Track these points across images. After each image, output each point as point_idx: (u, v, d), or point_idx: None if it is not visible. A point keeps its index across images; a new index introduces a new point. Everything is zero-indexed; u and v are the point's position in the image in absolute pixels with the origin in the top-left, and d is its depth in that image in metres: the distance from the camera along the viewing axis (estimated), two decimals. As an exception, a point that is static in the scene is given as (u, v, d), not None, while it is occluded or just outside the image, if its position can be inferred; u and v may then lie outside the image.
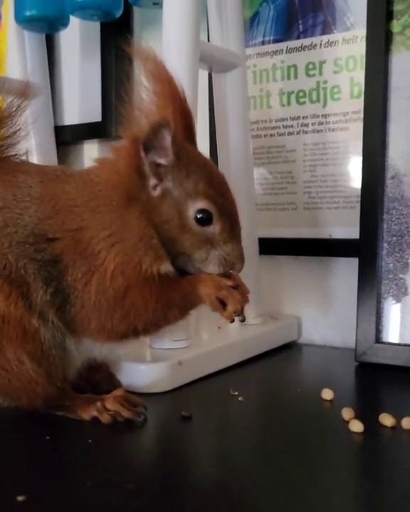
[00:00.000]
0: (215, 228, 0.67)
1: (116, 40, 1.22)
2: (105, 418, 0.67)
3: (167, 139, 0.65)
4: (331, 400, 0.74)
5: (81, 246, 0.66)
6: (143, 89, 0.67)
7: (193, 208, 0.66)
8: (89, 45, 1.26)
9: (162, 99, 0.67)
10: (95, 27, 1.23)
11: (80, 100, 1.29)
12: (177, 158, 0.66)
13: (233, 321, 0.68)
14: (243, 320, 0.70)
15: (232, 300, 0.67)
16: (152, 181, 0.66)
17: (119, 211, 0.66)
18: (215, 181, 0.68)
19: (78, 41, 1.28)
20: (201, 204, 0.66)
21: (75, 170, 0.73)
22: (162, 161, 0.66)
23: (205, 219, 0.66)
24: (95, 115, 1.26)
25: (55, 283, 0.66)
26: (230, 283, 0.68)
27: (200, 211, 0.66)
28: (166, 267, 0.68)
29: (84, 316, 0.67)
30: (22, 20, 1.08)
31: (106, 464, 0.58)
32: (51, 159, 1.18)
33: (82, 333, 0.69)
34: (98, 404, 0.68)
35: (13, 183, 0.69)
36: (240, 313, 0.68)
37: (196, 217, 0.66)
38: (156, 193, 0.67)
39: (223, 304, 0.68)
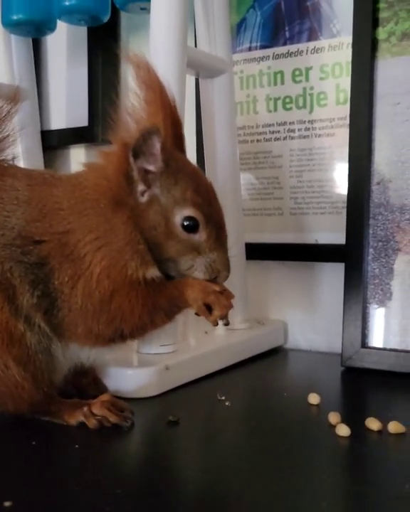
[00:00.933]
0: (201, 236, 0.67)
1: (103, 45, 1.22)
2: (92, 423, 0.67)
3: (157, 145, 0.65)
4: (317, 405, 0.74)
5: (67, 249, 0.66)
6: (134, 96, 0.67)
7: (180, 215, 0.66)
8: (76, 50, 1.26)
9: (153, 106, 0.67)
10: (82, 32, 1.23)
11: (67, 105, 1.28)
12: (166, 165, 0.66)
13: (216, 324, 0.69)
14: (227, 324, 0.70)
15: (218, 305, 0.67)
16: (140, 187, 0.66)
17: (107, 215, 0.66)
18: (202, 189, 0.68)
19: (65, 46, 1.28)
20: (188, 211, 0.66)
21: (63, 174, 0.73)
22: (151, 167, 0.66)
23: (191, 226, 0.67)
24: (82, 120, 1.25)
25: (41, 286, 0.66)
26: (217, 288, 0.68)
27: (187, 218, 0.66)
28: (153, 273, 0.68)
29: (71, 321, 0.67)
30: (9, 24, 1.07)
31: (93, 468, 0.57)
32: (38, 164, 1.17)
33: (70, 337, 0.68)
34: (85, 409, 0.68)
35: (0, 186, 0.69)
36: (225, 317, 0.69)
37: (183, 224, 0.66)
38: (144, 199, 0.67)
39: (208, 309, 0.68)
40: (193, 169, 0.70)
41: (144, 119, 0.67)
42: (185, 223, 0.66)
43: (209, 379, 0.86)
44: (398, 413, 0.70)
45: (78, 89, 1.26)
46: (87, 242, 0.65)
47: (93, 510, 0.48)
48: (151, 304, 0.67)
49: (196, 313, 0.69)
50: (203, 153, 1.02)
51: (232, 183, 1.00)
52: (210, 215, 0.68)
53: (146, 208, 0.67)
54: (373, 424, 0.65)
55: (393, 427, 0.65)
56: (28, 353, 0.66)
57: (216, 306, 0.67)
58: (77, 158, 1.32)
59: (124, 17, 1.24)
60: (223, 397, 0.77)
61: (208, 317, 0.68)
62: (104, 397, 0.69)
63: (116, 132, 0.67)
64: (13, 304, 0.66)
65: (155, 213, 0.66)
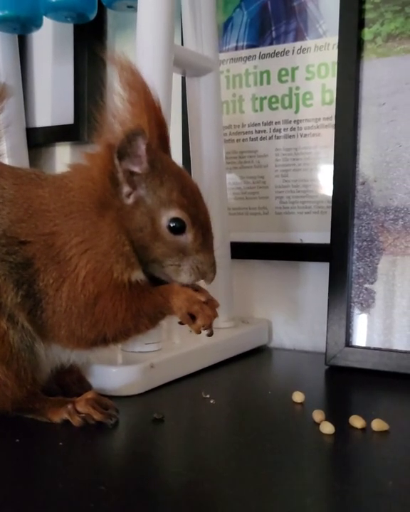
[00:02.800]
0: (187, 237, 0.67)
1: (89, 42, 1.22)
2: (76, 421, 0.67)
3: (142, 147, 0.64)
4: (302, 403, 0.74)
5: (53, 251, 0.66)
6: (118, 97, 0.67)
7: (166, 216, 0.66)
8: (62, 47, 1.26)
9: (137, 108, 0.67)
10: (69, 29, 1.23)
11: (53, 102, 1.28)
12: (151, 167, 0.66)
13: (199, 332, 0.69)
14: (210, 334, 0.69)
15: (202, 315, 0.67)
16: (126, 189, 0.66)
17: (93, 218, 0.66)
18: (188, 191, 0.68)
19: (51, 43, 1.27)
20: (174, 213, 0.66)
21: (49, 174, 0.72)
22: (136, 169, 0.66)
23: (178, 228, 0.66)
24: (68, 118, 1.25)
25: (26, 286, 0.66)
26: (202, 298, 0.68)
27: (173, 220, 0.66)
28: (138, 275, 0.67)
29: (54, 322, 0.67)
30: (-6, 21, 1.07)
31: (77, 466, 0.57)
32: (23, 161, 1.17)
33: (52, 339, 0.68)
34: (69, 406, 0.68)
35: None
36: (208, 327, 0.68)
37: (169, 225, 0.66)
38: (130, 200, 0.66)
39: (192, 318, 0.68)
40: (179, 170, 0.70)
41: (129, 121, 0.66)
42: (171, 225, 0.66)
43: (194, 377, 0.86)
44: (381, 411, 0.71)
45: (64, 86, 1.25)
46: (73, 244, 0.65)
47: (77, 508, 0.48)
48: (135, 308, 0.67)
49: (180, 322, 0.69)
50: (189, 151, 1.02)
51: (218, 182, 1.00)
52: (196, 216, 0.67)
53: (132, 209, 0.66)
54: (357, 422, 0.66)
55: (377, 424, 0.65)
56: (11, 350, 0.66)
57: (199, 316, 0.67)
58: (63, 156, 1.31)
59: (110, 15, 1.23)
60: (208, 396, 0.77)
61: (191, 326, 0.68)
62: (89, 394, 0.69)
63: (100, 134, 0.67)
64: None
65: (141, 215, 0.66)
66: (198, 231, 0.67)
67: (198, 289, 0.69)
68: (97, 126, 0.67)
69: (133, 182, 0.66)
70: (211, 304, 0.69)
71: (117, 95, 0.67)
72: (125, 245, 0.66)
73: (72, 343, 0.68)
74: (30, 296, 0.66)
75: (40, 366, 0.70)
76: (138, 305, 0.67)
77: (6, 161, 1.09)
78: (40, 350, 0.69)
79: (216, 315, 0.69)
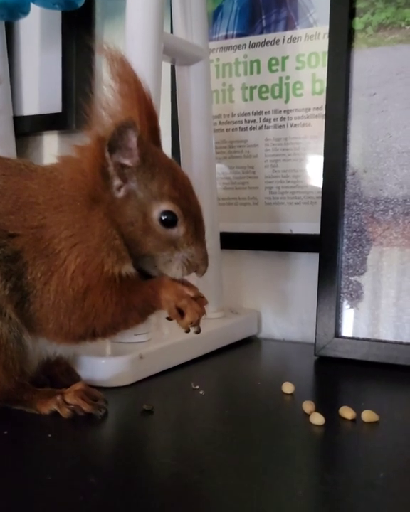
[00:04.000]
0: (179, 230, 0.66)
1: (78, 30, 1.21)
2: (65, 412, 0.66)
3: (133, 139, 0.64)
4: (291, 394, 0.74)
5: (42, 244, 0.65)
6: (109, 89, 0.66)
7: (158, 209, 0.65)
8: (50, 35, 1.24)
9: (128, 100, 0.66)
10: (56, 16, 1.22)
11: (40, 90, 1.27)
12: (142, 160, 0.65)
13: (188, 331, 0.68)
14: (197, 332, 0.69)
15: (191, 311, 0.66)
16: (116, 182, 0.65)
17: (83, 212, 0.65)
18: (180, 184, 0.67)
19: (39, 30, 1.26)
20: (166, 206, 0.65)
21: (38, 165, 0.71)
22: (127, 162, 0.65)
23: (169, 221, 0.65)
24: (55, 106, 1.24)
25: (14, 279, 0.65)
26: (191, 294, 0.67)
27: (164, 213, 0.65)
28: (128, 269, 0.67)
29: (42, 316, 0.66)
30: (-19, 7, 1.05)
31: (66, 458, 0.57)
32: (10, 150, 1.16)
33: (40, 332, 0.68)
34: (58, 398, 0.67)
35: None
36: (196, 324, 0.68)
37: (161, 219, 0.65)
38: (121, 194, 0.65)
39: (181, 313, 0.67)
40: (170, 163, 0.69)
41: (120, 113, 0.65)
42: (163, 218, 0.65)
43: (183, 368, 0.86)
44: (371, 402, 0.71)
45: (52, 74, 1.24)
46: (62, 238, 0.64)
47: (67, 499, 0.48)
48: (125, 302, 0.66)
49: (168, 318, 0.68)
50: (178, 141, 1.01)
51: (207, 171, 0.99)
52: (188, 209, 0.67)
53: (123, 203, 0.65)
54: (347, 412, 0.66)
55: (367, 415, 0.65)
56: None
57: (187, 312, 0.66)
58: (51, 144, 1.30)
59: (99, 2, 1.22)
60: (197, 386, 0.77)
61: (179, 321, 0.67)
62: (78, 385, 0.69)
63: (90, 126, 0.66)
64: None
65: (132, 208, 0.65)
66: (190, 224, 0.67)
67: (188, 286, 0.69)
68: (87, 118, 0.66)
69: (124, 175, 0.65)
70: (200, 300, 0.68)
71: (107, 87, 0.66)
72: (116, 239, 0.65)
73: (60, 337, 0.67)
74: (18, 289, 0.65)
75: (28, 358, 0.69)
76: (128, 299, 0.66)
77: (-7, 150, 1.08)
78: (28, 342, 0.68)
79: (204, 312, 0.68)
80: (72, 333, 0.67)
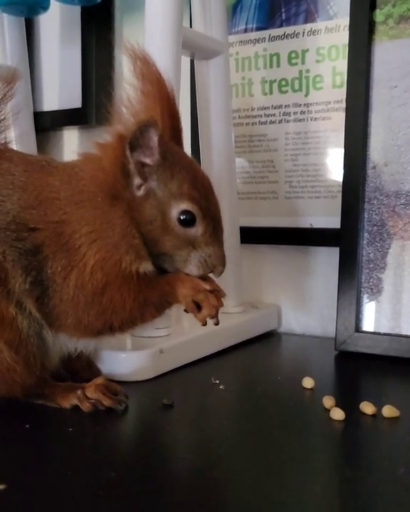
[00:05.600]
0: (197, 230, 0.66)
1: (97, 25, 1.21)
2: (86, 406, 0.67)
3: (154, 138, 0.64)
4: (312, 389, 0.74)
5: (62, 239, 0.65)
6: (131, 87, 0.66)
7: (177, 209, 0.65)
8: (69, 30, 1.24)
9: (151, 99, 0.66)
10: (76, 11, 1.22)
11: (60, 86, 1.27)
12: (163, 159, 0.65)
13: (205, 324, 0.68)
14: (216, 323, 0.69)
15: (207, 304, 0.67)
16: (137, 181, 0.65)
17: (103, 208, 0.65)
18: (199, 183, 0.67)
19: (58, 26, 1.26)
20: (185, 205, 0.65)
21: (59, 162, 0.72)
22: (148, 160, 0.65)
23: (188, 220, 0.66)
24: (75, 101, 1.24)
25: (34, 273, 0.66)
26: (208, 287, 0.67)
27: (183, 212, 0.65)
28: (146, 267, 0.67)
29: (61, 311, 0.66)
30: (1, 3, 1.06)
31: (87, 452, 0.57)
32: (31, 146, 1.16)
33: (59, 327, 0.68)
34: (79, 392, 0.68)
35: None
36: (214, 317, 0.68)
37: (179, 218, 0.65)
38: (140, 192, 0.66)
39: (198, 307, 0.67)
40: (191, 162, 0.69)
41: (142, 112, 0.65)
42: (181, 217, 0.65)
43: (203, 362, 0.86)
44: (391, 397, 0.70)
45: (71, 70, 1.24)
46: (82, 233, 0.65)
47: (87, 494, 0.48)
48: (142, 298, 0.67)
49: (185, 310, 0.68)
50: (197, 136, 1.01)
51: (227, 166, 0.99)
52: (207, 209, 0.67)
53: (143, 201, 0.66)
54: (367, 408, 0.66)
55: (388, 411, 0.65)
56: (19, 336, 0.66)
57: (204, 305, 0.67)
58: (71, 140, 1.31)
59: (118, -3, 1.22)
60: (217, 381, 0.77)
61: (196, 315, 0.67)
62: (98, 380, 0.69)
63: (112, 124, 0.66)
64: (5, 288, 0.65)
65: (151, 207, 0.66)
66: (209, 224, 0.67)
67: (206, 279, 0.69)
68: (108, 115, 0.66)
69: (144, 174, 0.65)
70: (217, 293, 0.68)
71: (130, 85, 0.66)
72: (135, 237, 0.65)
73: (79, 331, 0.68)
74: (38, 283, 0.66)
75: (49, 353, 0.70)
76: (145, 294, 0.67)
77: (13, 146, 1.09)
78: (48, 337, 0.69)
79: (221, 305, 0.68)
80: (91, 327, 0.67)
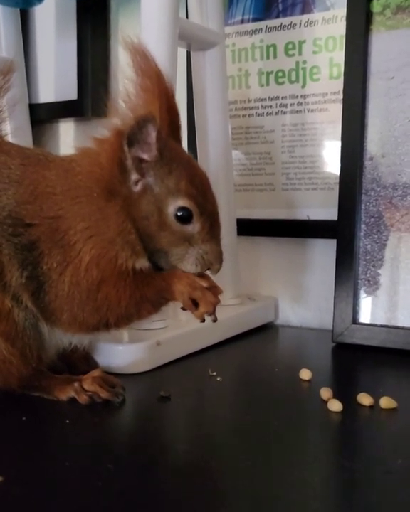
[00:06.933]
0: (194, 227, 0.66)
1: (93, 16, 1.20)
2: (83, 399, 0.67)
3: (152, 134, 0.63)
4: (309, 380, 0.74)
5: (58, 235, 0.65)
6: (129, 82, 0.66)
7: (174, 205, 0.65)
8: (65, 22, 1.24)
9: (149, 94, 0.65)
10: (71, 3, 1.21)
11: (56, 78, 1.26)
12: (160, 155, 0.65)
13: (203, 320, 0.68)
14: (214, 320, 0.69)
15: (204, 301, 0.66)
16: (134, 176, 0.65)
17: (99, 204, 0.65)
18: (197, 180, 0.67)
19: (54, 17, 1.25)
20: (182, 202, 0.65)
21: (56, 156, 0.71)
22: (145, 156, 0.64)
23: (185, 217, 0.65)
24: (71, 93, 1.23)
25: (30, 268, 0.65)
26: (204, 284, 0.67)
27: (180, 209, 0.65)
28: (142, 263, 0.67)
29: (57, 307, 0.66)
30: (-4, -6, 1.05)
31: (84, 444, 0.57)
32: (26, 138, 1.16)
33: (54, 322, 0.68)
34: (76, 384, 0.68)
35: None
36: (212, 313, 0.68)
37: (176, 214, 0.65)
38: (138, 188, 0.65)
39: (195, 304, 0.67)
40: (188, 159, 0.69)
41: (140, 107, 0.65)
42: (178, 214, 0.65)
43: (200, 355, 0.86)
44: (389, 389, 0.70)
45: (67, 61, 1.24)
46: (78, 230, 0.64)
47: (85, 486, 0.48)
48: (138, 295, 0.66)
49: (182, 308, 0.68)
50: (194, 127, 1.01)
51: (224, 158, 0.99)
52: (204, 206, 0.66)
53: (139, 197, 0.65)
54: (364, 399, 0.66)
55: (385, 402, 0.65)
56: (16, 328, 0.66)
57: (202, 302, 0.66)
58: (67, 132, 1.30)
59: (114, -12, 1.22)
60: (214, 373, 0.77)
61: (194, 312, 0.67)
62: (96, 372, 0.69)
63: (110, 119, 0.66)
64: (1, 281, 0.65)
65: (148, 203, 0.65)
66: (206, 221, 0.66)
67: (203, 276, 0.68)
68: (106, 110, 0.66)
69: (141, 169, 0.65)
70: (214, 290, 0.68)
71: (128, 80, 0.66)
72: (131, 233, 0.65)
73: (74, 327, 0.68)
74: (34, 278, 0.65)
75: (45, 345, 0.69)
76: (141, 291, 0.66)
77: (9, 138, 1.08)
78: (44, 330, 0.68)
79: (218, 301, 0.68)
80: (86, 323, 0.67)
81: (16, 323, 0.66)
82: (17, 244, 0.65)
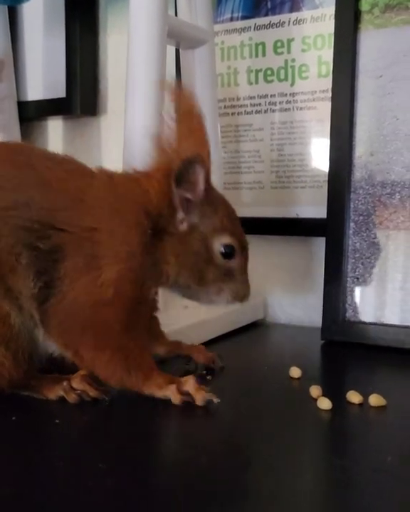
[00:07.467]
0: (235, 262, 0.71)
1: (81, 13, 1.20)
2: (72, 397, 0.66)
3: (200, 175, 0.67)
4: (298, 378, 0.74)
5: (86, 244, 0.65)
6: (173, 123, 0.69)
7: (219, 242, 0.69)
8: (53, 19, 1.23)
9: (198, 137, 0.69)
10: (60, 0, 1.20)
11: (44, 75, 1.26)
12: (206, 195, 0.68)
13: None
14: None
15: (196, 394, 0.65)
16: (180, 215, 0.68)
17: (144, 236, 0.66)
18: (234, 217, 0.73)
19: (42, 14, 1.24)
20: (226, 239, 0.70)
21: (101, 170, 0.71)
22: (189, 195, 0.68)
23: (229, 253, 0.70)
24: (60, 91, 1.23)
25: (45, 278, 0.65)
26: (187, 387, 0.66)
27: (226, 246, 0.70)
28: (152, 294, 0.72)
29: (53, 311, 0.65)
30: (-17, -9, 1.05)
31: (74, 443, 0.57)
32: (15, 136, 1.15)
33: (45, 327, 0.67)
34: (64, 383, 0.67)
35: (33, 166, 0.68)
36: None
37: (222, 251, 0.70)
38: (183, 226, 0.68)
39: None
40: (223, 197, 0.74)
41: (187, 149, 0.67)
42: (223, 250, 0.70)
43: (190, 353, 0.86)
44: (378, 386, 0.70)
45: (55, 59, 1.23)
46: (112, 247, 0.65)
47: (76, 485, 0.48)
48: (132, 362, 0.66)
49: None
50: (183, 125, 1.01)
51: (213, 156, 0.98)
52: (241, 241, 0.72)
53: (186, 235, 0.68)
54: (354, 397, 0.66)
55: (374, 400, 0.65)
56: (11, 331, 0.65)
57: (195, 397, 0.65)
58: (55, 130, 1.30)
59: (102, -15, 1.21)
60: (204, 371, 0.77)
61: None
62: (84, 371, 0.69)
63: (156, 158, 0.69)
64: (5, 284, 0.65)
65: (195, 240, 0.69)
66: (243, 255, 0.72)
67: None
68: (152, 150, 0.69)
69: (187, 208, 0.68)
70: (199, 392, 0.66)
71: (173, 121, 0.69)
72: (167, 264, 0.69)
73: (55, 337, 0.67)
74: (47, 288, 0.65)
75: (39, 348, 0.69)
76: (135, 361, 0.66)
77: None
78: (39, 334, 0.68)
79: (205, 390, 0.66)
80: (68, 338, 0.66)
81: (11, 326, 0.65)
82: (40, 249, 0.65)
